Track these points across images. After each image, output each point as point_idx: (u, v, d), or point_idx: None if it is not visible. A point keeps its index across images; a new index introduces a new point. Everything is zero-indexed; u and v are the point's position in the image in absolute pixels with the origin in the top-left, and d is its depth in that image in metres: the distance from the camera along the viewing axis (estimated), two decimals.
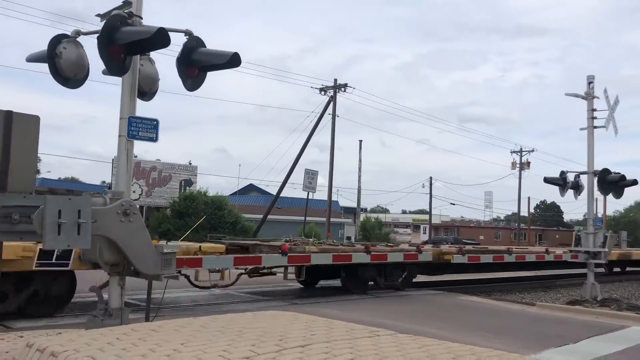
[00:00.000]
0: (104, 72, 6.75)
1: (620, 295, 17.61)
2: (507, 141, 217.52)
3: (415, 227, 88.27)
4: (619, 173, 15.35)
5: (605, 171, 15.22)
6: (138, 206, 7.10)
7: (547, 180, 15.72)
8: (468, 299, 14.99)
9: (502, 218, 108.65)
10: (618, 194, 15.58)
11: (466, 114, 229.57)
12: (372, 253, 14.62)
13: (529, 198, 74.26)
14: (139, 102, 6.69)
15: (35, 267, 9.30)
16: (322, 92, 37.69)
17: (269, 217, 36.03)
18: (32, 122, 6.79)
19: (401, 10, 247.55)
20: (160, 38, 5.68)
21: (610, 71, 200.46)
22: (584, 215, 16.16)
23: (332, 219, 39.66)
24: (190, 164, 46.40)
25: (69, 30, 6.67)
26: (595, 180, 15.20)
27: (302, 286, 16.44)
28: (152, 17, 6.69)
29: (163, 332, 4.77)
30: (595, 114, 15.15)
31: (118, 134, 6.43)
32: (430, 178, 69.05)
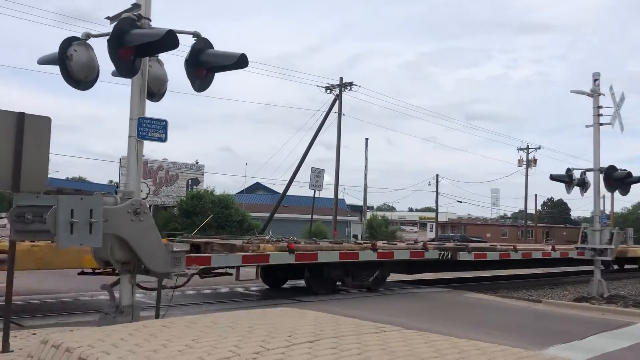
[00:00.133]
0: (113, 74, 6.86)
1: (628, 292, 17.59)
2: (514, 138, 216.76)
3: (422, 224, 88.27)
4: (625, 170, 15.35)
5: (612, 168, 15.23)
6: None
7: (553, 177, 15.74)
8: (474, 297, 15.04)
9: (509, 215, 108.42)
10: (624, 191, 15.58)
11: (472, 111, 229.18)
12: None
13: (535, 195, 74.07)
14: (147, 102, 6.81)
15: None
16: (328, 91, 37.76)
17: (276, 215, 36.14)
18: (43, 124, 6.91)
19: (405, 8, 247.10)
20: (169, 40, 5.79)
21: (616, 67, 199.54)
22: (592, 213, 16.15)
23: (338, 217, 39.72)
24: (197, 163, 46.61)
25: (75, 31, 6.82)
26: (602, 177, 15.21)
27: (267, 287, 15.46)
28: (156, 17, 6.77)
29: (174, 328, 4.88)
30: (601, 111, 15.16)
31: (128, 134, 6.54)
32: (437, 176, 69.02)
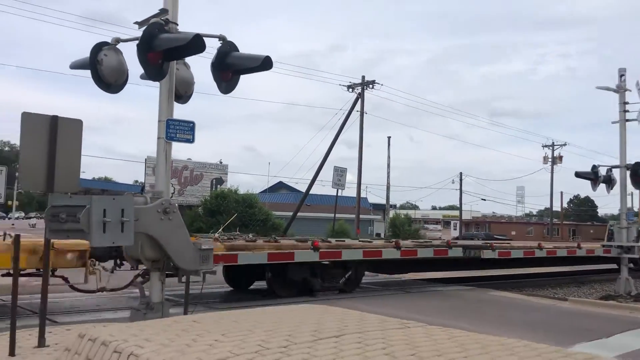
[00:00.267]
0: (142, 77, 7.05)
1: None
2: (539, 135, 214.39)
3: (446, 223, 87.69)
4: None
5: (638, 165, 15.04)
6: None
7: (579, 174, 15.60)
8: (499, 295, 15.01)
9: (534, 213, 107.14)
10: None
11: (496, 108, 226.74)
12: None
13: (561, 193, 73.16)
14: (174, 104, 6.99)
15: None
16: (350, 90, 37.82)
17: (299, 214, 36.35)
18: (75, 126, 7.14)
19: (428, 4, 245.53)
20: (196, 44, 5.95)
21: None
22: (619, 210, 15.98)
23: (361, 216, 39.78)
24: (220, 162, 47.17)
25: (100, 33, 7.02)
26: (628, 174, 15.04)
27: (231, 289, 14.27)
28: (179, 19, 6.94)
29: (204, 324, 5.04)
30: (627, 107, 14.99)
31: (157, 136, 6.72)
32: (460, 173, 68.56)
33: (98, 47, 6.69)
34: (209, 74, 6.95)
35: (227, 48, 6.64)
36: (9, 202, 60.59)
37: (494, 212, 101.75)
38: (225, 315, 5.56)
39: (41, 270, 9.63)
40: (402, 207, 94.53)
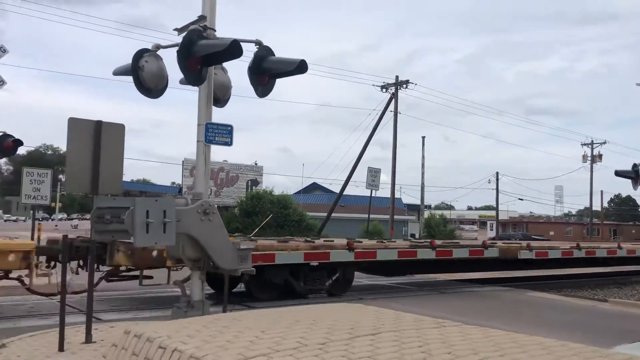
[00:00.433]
0: (181, 82, 7.28)
1: None
2: (577, 133, 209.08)
3: (482, 223, 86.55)
4: None
5: None
6: None
7: (618, 173, 15.30)
8: (536, 295, 14.82)
9: (573, 213, 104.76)
10: None
11: (533, 106, 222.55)
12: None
13: (601, 192, 71.21)
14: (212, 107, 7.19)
15: None
16: (384, 90, 37.75)
17: (333, 215, 36.47)
18: (118, 130, 7.43)
19: (463, 1, 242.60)
20: (233, 49, 6.12)
21: None
22: None
23: (395, 217, 39.63)
24: (256, 164, 47.55)
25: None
26: None
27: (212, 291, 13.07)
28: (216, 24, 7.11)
29: (244, 321, 5.19)
30: None
31: (196, 139, 6.93)
32: (497, 173, 67.57)
33: (139, 54, 6.93)
34: (243, 76, 7.15)
35: (264, 52, 6.79)
36: (52, 204, 62.50)
37: (531, 212, 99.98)
38: (264, 313, 5.70)
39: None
40: (437, 207, 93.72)
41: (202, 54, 6.31)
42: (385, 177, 38.95)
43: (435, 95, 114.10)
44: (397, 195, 44.41)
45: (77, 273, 10.73)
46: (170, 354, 4.22)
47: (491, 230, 69.94)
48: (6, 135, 14.35)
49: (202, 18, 6.76)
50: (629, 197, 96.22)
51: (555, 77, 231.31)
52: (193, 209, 6.44)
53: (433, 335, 4.70)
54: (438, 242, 15.79)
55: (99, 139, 7.15)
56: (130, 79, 6.92)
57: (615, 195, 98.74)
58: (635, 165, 15.10)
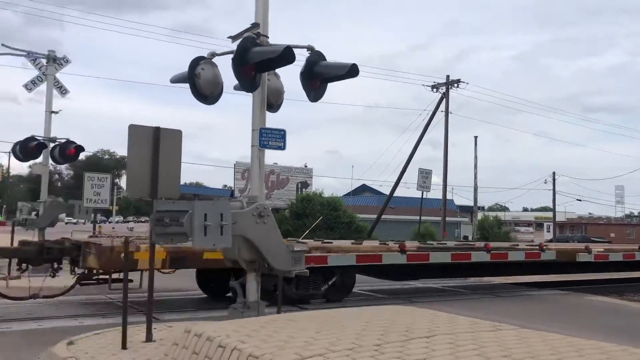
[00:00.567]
0: (235, 88, 7.48)
1: None
2: (638, 131, 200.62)
3: (538, 225, 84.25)
4: None
5: None
6: None
7: None
8: (596, 299, 14.36)
9: (635, 214, 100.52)
10: None
11: (590, 103, 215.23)
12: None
13: None
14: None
15: None
16: (434, 89, 37.33)
17: (383, 217, 36.31)
18: (175, 136, 7.67)
19: None
20: (286, 55, 6.25)
21: None
22: None
23: (447, 218, 39.13)
24: (305, 166, 47.92)
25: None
26: None
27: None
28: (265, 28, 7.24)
29: (298, 322, 5.30)
30: None
31: (251, 144, 7.09)
32: (554, 173, 65.72)
33: (195, 62, 7.16)
34: (292, 80, 7.28)
35: (315, 58, 6.90)
36: (110, 207, 64.80)
37: (590, 213, 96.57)
38: (317, 315, 5.80)
39: None
40: (491, 209, 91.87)
41: (256, 61, 6.47)
42: (436, 178, 38.55)
43: (488, 93, 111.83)
44: (448, 197, 43.76)
45: (53, 276, 10.47)
46: (229, 353, 4.37)
47: (548, 232, 68.00)
48: (69, 142, 14.97)
49: (255, 25, 6.92)
50: None
51: (612, 73, 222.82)
52: (248, 212, 6.59)
53: (489, 338, 4.68)
54: (492, 244, 15.52)
55: (157, 145, 7.40)
56: (182, 85, 7.16)
57: None
58: None
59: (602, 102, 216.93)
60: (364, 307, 6.58)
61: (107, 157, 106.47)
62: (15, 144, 14.79)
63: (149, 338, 7.07)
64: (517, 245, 17.47)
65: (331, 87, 7.29)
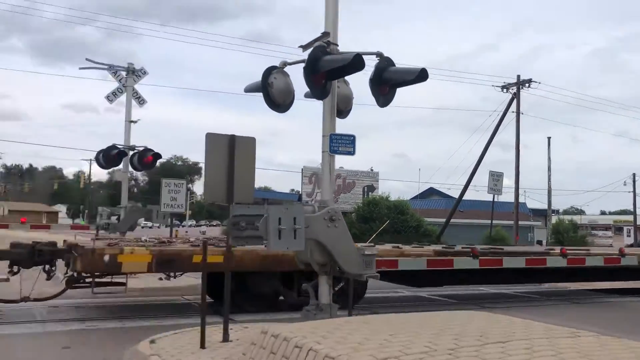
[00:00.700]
0: (306, 96, 7.67)
1: None
2: None
3: (618, 229, 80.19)
4: None
5: None
6: None
7: None
8: None
9: None
10: None
11: None
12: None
13: None
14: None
15: None
16: (504, 90, 36.42)
17: (453, 221, 35.71)
18: (250, 143, 7.95)
19: None
20: (356, 63, 6.38)
21: None
22: None
23: (520, 222, 37.97)
24: (371, 170, 47.93)
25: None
26: None
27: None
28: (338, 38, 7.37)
29: (373, 325, 5.39)
30: None
31: (321, 149, 7.26)
32: (634, 174, 62.51)
33: (268, 72, 7.40)
34: (359, 84, 7.40)
35: (384, 64, 6.99)
36: (184, 212, 67.06)
37: None
38: (391, 318, 5.87)
39: None
40: (566, 212, 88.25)
41: (326, 69, 6.63)
42: (507, 181, 37.52)
43: (561, 93, 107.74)
44: (521, 200, 42.53)
45: (48, 278, 10.30)
46: (306, 353, 4.51)
47: (628, 236, 64.60)
48: (147, 150, 15.72)
49: (325, 34, 7.09)
50: None
51: None
52: (320, 216, 6.76)
53: (567, 344, 4.59)
54: (567, 249, 14.96)
55: (232, 152, 7.69)
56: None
57: None
58: None
59: None
60: (437, 312, 6.58)
61: (179, 163, 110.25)
62: (99, 153, 15.71)
63: (225, 338, 7.34)
64: (590, 250, 16.71)
65: (398, 90, 7.35)
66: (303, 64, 6.90)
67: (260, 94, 7.47)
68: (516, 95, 35.56)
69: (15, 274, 10.05)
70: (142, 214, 16.48)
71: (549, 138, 46.63)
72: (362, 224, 36.07)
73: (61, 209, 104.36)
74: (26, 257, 9.95)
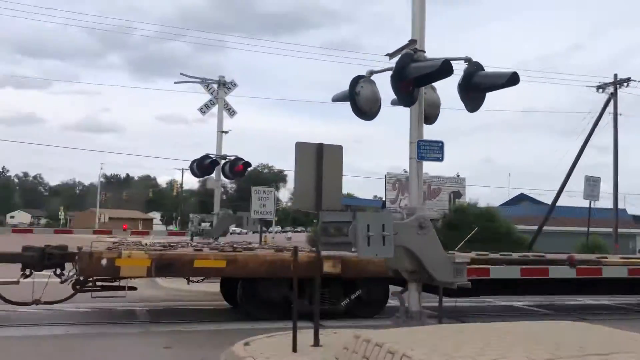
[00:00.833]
0: (393, 103, 7.71)
1: None
2: None
3: None
4: None
5: None
6: None
7: None
8: None
9: None
10: None
11: None
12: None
13: None
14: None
15: None
16: (600, 90, 34.57)
17: (546, 228, 34.21)
18: (337, 151, 8.08)
19: None
20: (444, 69, 6.36)
21: None
22: None
23: (620, 230, 35.77)
24: (458, 176, 46.86)
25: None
26: None
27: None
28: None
29: (465, 334, 5.33)
30: None
31: (409, 156, 7.27)
32: None
33: (355, 81, 7.52)
34: (443, 89, 7.33)
35: (473, 68, 6.91)
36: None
37: None
38: (485, 327, 5.77)
39: None
40: None
41: (414, 76, 6.65)
42: (605, 186, 35.49)
43: None
44: (620, 206, 40.02)
45: (62, 282, 10.31)
46: (399, 359, 4.55)
47: None
48: (238, 159, 16.35)
49: (412, 42, 7.11)
50: None
51: None
52: (409, 223, 6.76)
53: None
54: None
55: (321, 160, 7.85)
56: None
57: None
58: None
59: None
60: (532, 322, 6.39)
61: (265, 171, 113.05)
62: (193, 162, 16.50)
63: (316, 342, 7.48)
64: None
65: None
66: (389, 72, 6.95)
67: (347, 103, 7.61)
68: (613, 95, 33.65)
69: (27, 277, 10.21)
70: (233, 221, 17.12)
71: None
72: (449, 231, 35.38)
73: (155, 215, 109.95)
74: (37, 260, 10.05)
